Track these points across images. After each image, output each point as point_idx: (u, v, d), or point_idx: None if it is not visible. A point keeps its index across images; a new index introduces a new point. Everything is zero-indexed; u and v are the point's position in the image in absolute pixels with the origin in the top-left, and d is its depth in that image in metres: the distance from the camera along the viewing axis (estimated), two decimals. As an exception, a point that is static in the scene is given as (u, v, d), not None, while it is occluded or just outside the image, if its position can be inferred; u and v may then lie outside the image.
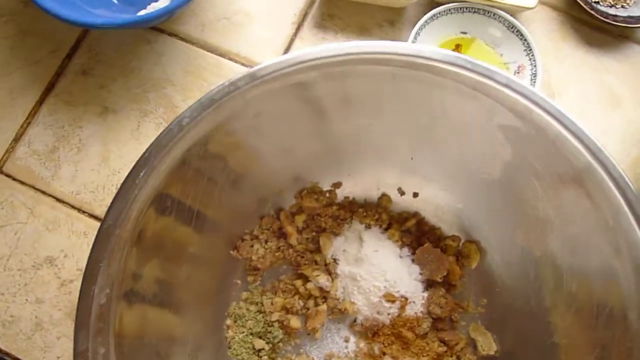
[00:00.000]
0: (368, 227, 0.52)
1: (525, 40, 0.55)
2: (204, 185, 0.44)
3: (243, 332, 0.49)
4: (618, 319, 0.39)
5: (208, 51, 0.58)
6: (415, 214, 0.53)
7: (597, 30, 0.59)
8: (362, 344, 0.50)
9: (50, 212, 0.54)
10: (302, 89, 0.43)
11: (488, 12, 0.55)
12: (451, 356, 0.50)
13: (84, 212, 0.54)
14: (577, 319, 0.43)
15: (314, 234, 0.52)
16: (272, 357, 0.49)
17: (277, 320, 0.50)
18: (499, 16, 0.55)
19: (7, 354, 0.50)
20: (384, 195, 0.54)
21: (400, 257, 0.51)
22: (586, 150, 0.40)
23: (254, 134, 0.45)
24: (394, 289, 0.49)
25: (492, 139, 0.45)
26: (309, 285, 0.50)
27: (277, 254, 0.51)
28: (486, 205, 0.50)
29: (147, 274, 0.41)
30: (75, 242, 0.53)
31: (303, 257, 0.51)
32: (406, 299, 0.49)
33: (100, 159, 0.55)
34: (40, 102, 0.57)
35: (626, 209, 0.38)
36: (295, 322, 0.49)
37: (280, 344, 0.50)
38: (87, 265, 0.36)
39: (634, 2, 0.59)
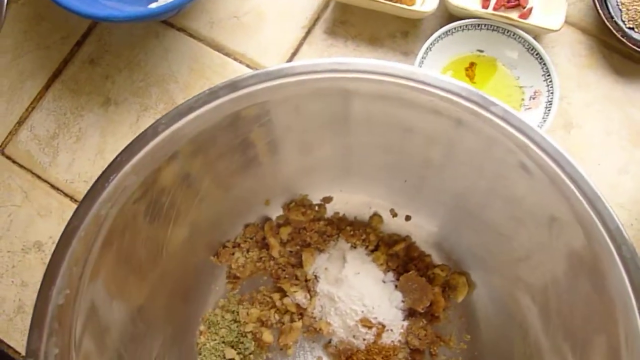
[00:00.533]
0: (354, 247, 0.50)
1: (544, 64, 0.51)
2: (184, 191, 0.44)
3: (215, 340, 0.48)
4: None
5: (215, 50, 0.57)
6: (406, 238, 0.51)
7: (628, 59, 0.55)
8: (334, 366, 0.49)
9: (44, 197, 0.54)
10: (291, 103, 0.41)
11: (507, 31, 0.52)
12: (426, 390, 0.48)
13: (76, 201, 0.54)
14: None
15: (298, 247, 0.51)
16: (242, 369, 0.48)
17: (251, 332, 0.49)
18: (519, 36, 0.52)
19: (-12, 332, 0.51)
20: (375, 214, 0.52)
21: (384, 281, 0.49)
22: (582, 195, 0.37)
23: (246, 144, 0.44)
24: (372, 315, 0.47)
25: (489, 173, 0.42)
26: (286, 300, 0.49)
27: (258, 264, 0.50)
28: (480, 239, 0.48)
29: (115, 274, 0.41)
30: (64, 230, 0.53)
31: (284, 270, 0.50)
32: (383, 326, 0.47)
33: (97, 150, 0.55)
34: (46, 87, 0.57)
35: (620, 267, 0.35)
36: (268, 335, 0.48)
37: (252, 356, 0.49)
38: (48, 265, 0.36)
39: (674, 31, 0.54)
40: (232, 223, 0.50)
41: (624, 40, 0.52)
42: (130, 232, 0.41)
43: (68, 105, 0.56)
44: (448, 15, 0.56)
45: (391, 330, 0.47)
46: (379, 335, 0.47)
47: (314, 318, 0.49)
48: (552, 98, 0.51)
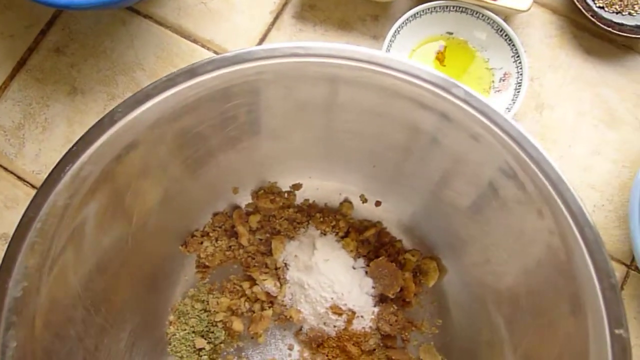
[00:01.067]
0: (324, 233, 0.50)
1: (513, 45, 0.51)
2: (147, 180, 0.43)
3: (185, 330, 0.48)
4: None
5: (182, 37, 0.56)
6: (377, 224, 0.51)
7: (599, 38, 0.54)
8: (305, 354, 0.48)
9: (10, 189, 0.53)
10: (254, 89, 0.41)
11: (476, 12, 0.51)
12: (397, 375, 0.48)
13: (43, 192, 0.53)
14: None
15: (267, 235, 0.50)
16: (213, 358, 0.48)
17: (221, 321, 0.48)
18: (488, 18, 0.51)
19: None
20: (345, 201, 0.51)
21: (354, 267, 0.48)
22: (545, 177, 0.36)
23: (210, 129, 0.43)
24: (342, 302, 0.47)
25: (457, 158, 0.42)
26: (256, 289, 0.48)
27: (227, 253, 0.49)
28: (450, 224, 0.47)
29: (77, 264, 0.40)
30: (32, 222, 0.52)
31: (254, 258, 0.50)
32: (354, 312, 0.47)
33: (64, 140, 0.54)
34: (11, 77, 0.56)
35: (582, 244, 0.35)
36: (238, 324, 0.48)
37: (222, 345, 0.48)
38: (4, 258, 0.35)
39: (645, 10, 0.53)
40: (200, 212, 0.50)
41: (594, 20, 0.52)
42: (93, 221, 0.40)
43: (33, 94, 0.55)
44: (418, -2, 0.55)
45: (362, 316, 0.47)
46: (349, 321, 0.47)
47: (285, 306, 0.48)
48: (521, 80, 0.50)
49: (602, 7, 0.53)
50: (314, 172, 0.50)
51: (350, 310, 0.47)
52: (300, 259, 0.48)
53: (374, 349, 0.48)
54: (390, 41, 0.51)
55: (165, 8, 0.57)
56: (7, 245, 0.36)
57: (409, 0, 0.55)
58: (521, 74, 0.50)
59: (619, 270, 0.50)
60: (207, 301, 0.49)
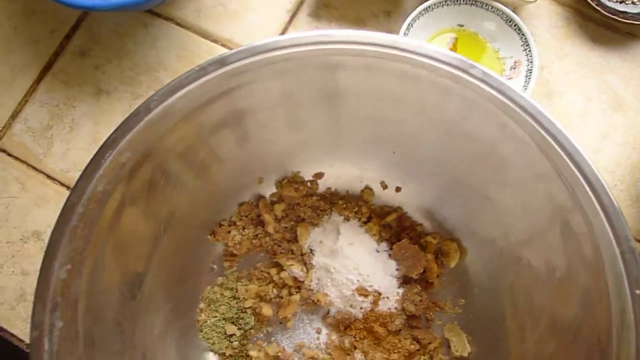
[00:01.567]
0: (347, 219, 0.51)
1: (523, 34, 0.53)
2: (180, 167, 0.45)
3: (215, 317, 0.49)
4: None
5: (202, 37, 0.59)
6: (397, 209, 0.52)
7: (603, 27, 0.56)
8: (333, 337, 0.50)
9: (40, 188, 0.55)
10: (280, 78, 0.43)
11: (486, 4, 0.54)
12: (423, 355, 0.49)
13: (72, 189, 0.55)
14: (549, 335, 0.41)
15: (292, 223, 0.52)
16: (243, 344, 0.49)
17: (250, 307, 0.50)
18: (497, 9, 0.53)
19: (-9, 322, 0.52)
20: (366, 188, 0.53)
21: (377, 251, 0.50)
22: (563, 151, 0.38)
23: (237, 120, 0.45)
24: (367, 284, 0.48)
25: (474, 138, 0.44)
26: (283, 274, 0.50)
27: (254, 241, 0.51)
28: (468, 205, 0.49)
29: (115, 250, 0.42)
30: (62, 218, 0.54)
31: (280, 246, 0.51)
32: (379, 294, 0.48)
33: (91, 138, 0.56)
34: (38, 80, 0.58)
35: (600, 212, 0.37)
36: (267, 309, 0.49)
37: (252, 330, 0.50)
38: (49, 241, 0.37)
39: (646, -2, 0.56)
40: (227, 202, 0.51)
41: (599, 9, 0.54)
42: (130, 208, 0.42)
43: (60, 96, 0.57)
44: (428, -7, 0.57)
45: (387, 297, 0.49)
46: (375, 303, 0.48)
47: (311, 290, 0.50)
48: (531, 67, 0.52)
49: (606, -3, 0.55)
50: (335, 161, 0.52)
51: (376, 291, 0.48)
52: (325, 244, 0.50)
53: (400, 329, 0.49)
54: (404, 34, 0.53)
55: (185, 10, 0.59)
56: (51, 231, 0.37)
57: (419, -4, 0.58)
58: (531, 62, 0.52)
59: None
60: (236, 289, 0.50)
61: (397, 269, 0.49)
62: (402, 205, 0.52)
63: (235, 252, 0.50)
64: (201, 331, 0.49)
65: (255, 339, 0.50)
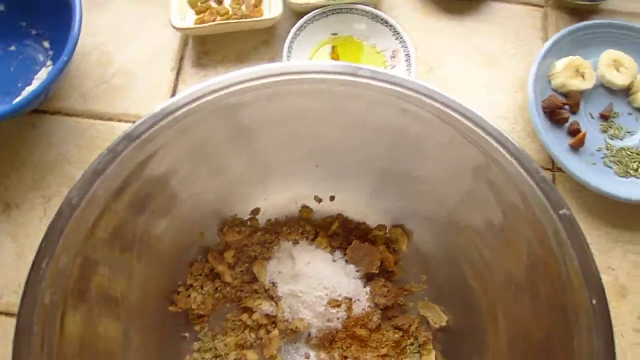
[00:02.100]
0: (296, 242, 0.53)
1: (391, 26, 0.57)
2: (117, 257, 0.44)
3: (205, 382, 0.49)
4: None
5: (96, 119, 0.58)
6: (338, 216, 0.54)
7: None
8: (322, 355, 0.51)
9: (-23, 325, 0.52)
10: (188, 133, 0.43)
11: (350, 9, 0.58)
12: (408, 339, 0.51)
13: (11, 314, 0.52)
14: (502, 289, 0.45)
15: (246, 265, 0.52)
16: (241, 396, 0.49)
17: (235, 359, 0.50)
18: (362, 10, 0.58)
19: None
20: (303, 207, 0.55)
21: (334, 261, 0.52)
22: (459, 115, 0.42)
23: (162, 186, 0.45)
24: (336, 294, 0.50)
25: (381, 130, 0.47)
26: (255, 316, 0.50)
27: (216, 295, 0.51)
28: (401, 190, 0.52)
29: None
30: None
31: (242, 290, 0.52)
32: (350, 299, 0.50)
33: (15, 256, 0.54)
34: (-64, 218, 0.55)
35: (508, 157, 0.41)
36: (252, 355, 0.49)
37: (245, 380, 0.50)
38: None
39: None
40: (176, 268, 0.51)
41: (445, -16, 0.60)
42: (77, 311, 0.40)
43: (-33, 226, 0.54)
44: (296, 14, 0.60)
45: (358, 300, 0.51)
46: (349, 309, 0.50)
47: (287, 321, 0.50)
48: (408, 51, 0.57)
49: (447, -28, 0.62)
50: (266, 193, 0.53)
51: (345, 298, 0.50)
52: (285, 273, 0.51)
53: (380, 325, 0.51)
54: (287, 56, 0.56)
55: (69, 99, 0.58)
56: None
57: (289, 19, 0.61)
58: (406, 47, 0.57)
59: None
60: (215, 347, 0.50)
61: (357, 270, 0.52)
62: (341, 212, 0.55)
63: (201, 312, 0.50)
64: (195, 401, 0.48)
65: (250, 386, 0.50)
